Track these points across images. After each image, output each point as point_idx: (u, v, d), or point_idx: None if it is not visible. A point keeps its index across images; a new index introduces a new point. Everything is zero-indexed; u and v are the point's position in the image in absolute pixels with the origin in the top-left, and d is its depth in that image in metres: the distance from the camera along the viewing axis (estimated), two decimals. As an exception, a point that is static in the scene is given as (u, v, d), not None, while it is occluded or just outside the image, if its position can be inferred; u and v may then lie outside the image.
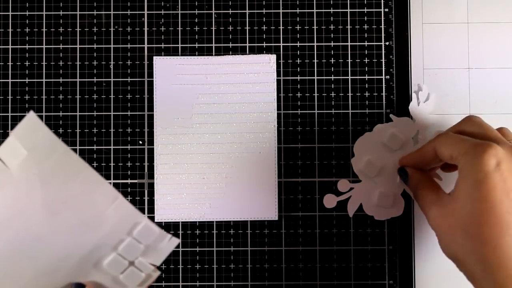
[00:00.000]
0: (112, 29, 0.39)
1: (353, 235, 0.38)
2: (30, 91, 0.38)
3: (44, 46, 0.39)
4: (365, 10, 0.39)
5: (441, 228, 0.29)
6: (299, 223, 0.38)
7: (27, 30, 0.39)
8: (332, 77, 0.38)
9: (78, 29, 0.39)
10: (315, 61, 0.39)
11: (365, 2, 0.39)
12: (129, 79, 0.38)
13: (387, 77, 0.38)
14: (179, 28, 0.39)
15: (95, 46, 0.39)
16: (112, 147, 0.38)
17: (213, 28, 0.39)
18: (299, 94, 0.38)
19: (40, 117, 0.38)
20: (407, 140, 0.38)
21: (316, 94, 0.38)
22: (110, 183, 0.37)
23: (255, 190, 0.38)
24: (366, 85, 0.38)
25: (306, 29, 0.39)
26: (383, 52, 0.38)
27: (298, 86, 0.38)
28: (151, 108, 0.38)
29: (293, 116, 0.38)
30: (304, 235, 0.38)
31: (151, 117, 0.38)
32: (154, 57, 0.38)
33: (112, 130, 0.38)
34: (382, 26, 0.39)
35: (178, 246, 0.38)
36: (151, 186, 0.38)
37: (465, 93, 0.39)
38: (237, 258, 0.38)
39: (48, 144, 0.29)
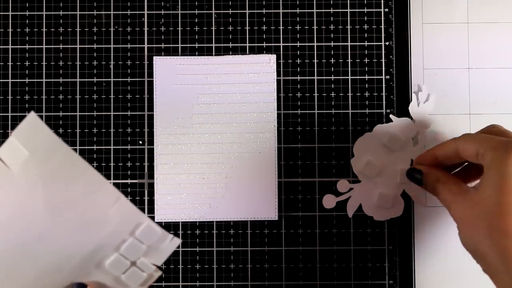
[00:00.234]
0: (112, 29, 0.39)
1: (353, 235, 0.38)
2: (30, 91, 0.38)
3: (44, 46, 0.39)
4: (365, 10, 0.39)
5: (465, 219, 0.30)
6: (299, 223, 0.38)
7: (27, 30, 0.39)
8: (332, 77, 0.38)
9: (78, 29, 0.39)
10: (315, 61, 0.38)
11: (365, 2, 0.39)
12: (129, 79, 0.38)
13: (387, 77, 0.38)
14: (179, 28, 0.39)
15: (95, 46, 0.39)
16: (112, 147, 0.38)
17: (213, 28, 0.39)
18: (299, 94, 0.38)
19: (40, 117, 0.38)
20: (407, 140, 0.38)
21: (316, 94, 0.38)
22: (110, 183, 0.37)
23: (255, 190, 0.38)
24: (366, 85, 0.38)
25: (306, 29, 0.39)
26: (383, 52, 0.38)
27: (298, 86, 0.38)
28: (151, 108, 0.38)
29: (293, 116, 0.38)
30: (304, 235, 0.38)
31: (151, 117, 0.38)
32: (154, 57, 0.38)
33: (112, 130, 0.38)
34: (382, 26, 0.39)
35: (178, 246, 0.38)
36: (151, 186, 0.38)
37: (465, 93, 0.39)
38: (237, 258, 0.38)
39: (49, 144, 0.29)
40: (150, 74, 0.38)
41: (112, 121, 0.38)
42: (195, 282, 0.38)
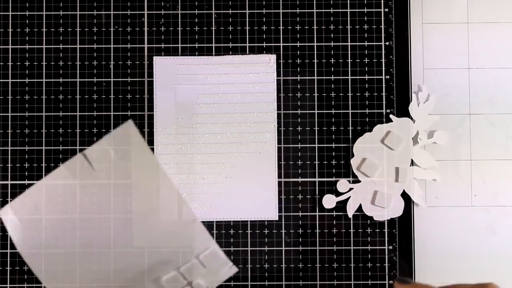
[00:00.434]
0: (112, 29, 0.39)
1: (353, 235, 0.38)
2: (30, 91, 0.38)
3: (44, 46, 0.39)
4: (365, 10, 0.39)
5: None
6: (299, 223, 0.38)
7: (27, 30, 0.39)
8: (332, 77, 0.38)
9: (78, 29, 0.39)
10: (315, 61, 0.38)
11: (365, 2, 0.39)
12: (129, 79, 0.38)
13: (387, 77, 0.38)
14: (179, 28, 0.39)
15: (95, 46, 0.39)
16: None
17: (213, 28, 0.39)
18: (299, 94, 0.38)
19: (40, 117, 0.38)
20: (407, 140, 0.38)
21: (316, 94, 0.38)
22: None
23: (255, 190, 0.38)
24: (366, 85, 0.38)
25: (306, 29, 0.39)
26: (383, 52, 0.38)
27: (298, 86, 0.38)
28: (151, 108, 0.38)
29: (293, 116, 0.38)
30: (304, 235, 0.38)
31: (151, 117, 0.38)
32: (154, 57, 0.38)
33: (112, 130, 0.38)
34: (382, 26, 0.39)
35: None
36: (151, 186, 0.38)
37: (465, 93, 0.39)
38: (237, 258, 0.38)
39: (140, 155, 0.30)
40: (150, 74, 0.38)
41: (112, 121, 0.38)
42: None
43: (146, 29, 0.39)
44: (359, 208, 0.38)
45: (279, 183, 0.38)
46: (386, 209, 0.38)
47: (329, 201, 0.38)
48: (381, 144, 0.38)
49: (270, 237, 0.38)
